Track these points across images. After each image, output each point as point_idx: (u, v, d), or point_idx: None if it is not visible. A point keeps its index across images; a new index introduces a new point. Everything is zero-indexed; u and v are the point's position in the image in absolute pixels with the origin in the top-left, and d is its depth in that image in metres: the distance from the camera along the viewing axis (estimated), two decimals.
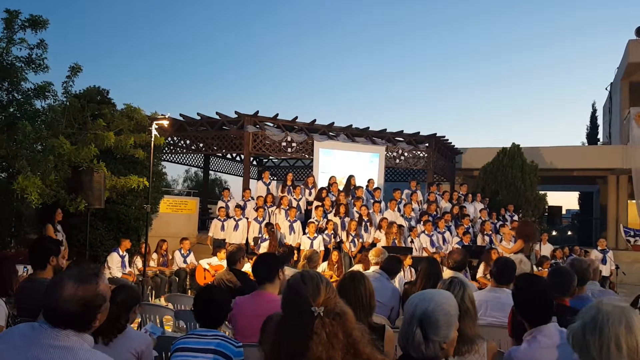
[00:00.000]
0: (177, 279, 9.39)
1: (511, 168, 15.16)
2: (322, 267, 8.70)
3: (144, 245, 8.54)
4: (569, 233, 29.93)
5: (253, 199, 11.73)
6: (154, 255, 9.58)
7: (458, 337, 1.93)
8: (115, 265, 8.35)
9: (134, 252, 9.38)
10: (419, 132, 14.97)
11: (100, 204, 7.56)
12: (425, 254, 10.12)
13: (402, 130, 14.85)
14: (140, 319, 4.81)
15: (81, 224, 8.49)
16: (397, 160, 14.93)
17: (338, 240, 10.37)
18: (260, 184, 12.58)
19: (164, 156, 14.19)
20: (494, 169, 15.43)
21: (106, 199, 8.06)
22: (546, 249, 11.69)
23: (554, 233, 21.08)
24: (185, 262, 9.73)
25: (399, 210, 11.52)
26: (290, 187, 11.89)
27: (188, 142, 14.95)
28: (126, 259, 8.65)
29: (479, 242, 11.09)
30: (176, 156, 15.79)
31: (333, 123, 14.02)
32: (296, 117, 13.59)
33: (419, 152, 15.09)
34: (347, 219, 10.64)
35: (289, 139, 13.66)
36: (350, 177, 12.32)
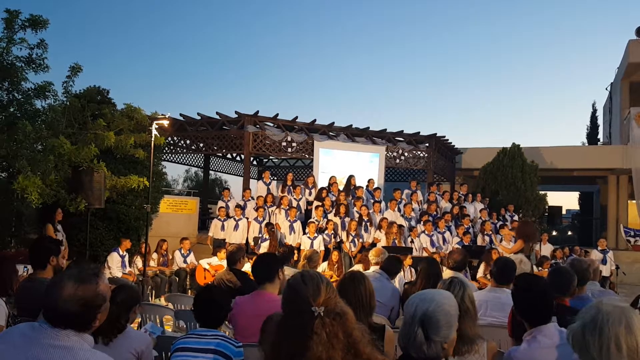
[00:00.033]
0: (177, 279, 9.39)
1: (511, 168, 15.16)
2: (322, 267, 8.70)
3: (144, 245, 8.54)
4: (569, 233, 29.92)
5: (253, 199, 11.73)
6: (154, 255, 9.58)
7: (458, 337, 1.94)
8: (115, 265, 8.35)
9: (134, 252, 9.38)
10: (419, 132, 14.97)
11: (100, 203, 7.56)
12: (425, 254, 10.12)
13: (402, 130, 14.85)
14: (140, 319, 4.81)
15: (81, 224, 8.49)
16: (397, 160, 14.93)
17: (338, 240, 10.37)
18: (260, 184, 12.58)
19: (164, 156, 14.19)
20: (494, 169, 15.43)
21: (106, 198, 8.06)
22: (546, 249, 11.69)
23: (554, 233, 21.07)
24: (185, 262, 9.73)
25: (399, 210, 11.52)
26: (291, 187, 11.89)
27: (188, 142, 14.95)
28: (126, 258, 8.66)
29: (479, 242, 11.09)
30: (176, 156, 15.79)
31: (333, 123, 14.02)
32: (296, 117, 13.60)
33: (419, 152, 15.09)
34: (347, 219, 10.64)
35: (289, 139, 13.66)
36: (351, 177, 12.32)
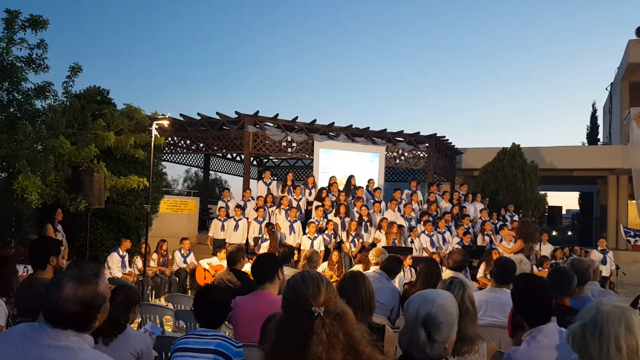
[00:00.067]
0: (177, 279, 9.40)
1: (511, 168, 15.15)
2: (323, 267, 8.70)
3: (144, 245, 8.54)
4: (569, 233, 29.91)
5: (253, 199, 11.74)
6: (154, 255, 9.58)
7: (458, 338, 1.94)
8: (116, 265, 8.35)
9: (134, 252, 9.39)
10: (419, 132, 14.97)
11: (100, 204, 7.56)
12: (425, 254, 10.12)
13: (402, 130, 14.85)
14: (140, 319, 4.81)
15: (81, 224, 8.49)
16: (397, 160, 14.93)
17: (338, 240, 10.37)
18: (261, 184, 12.58)
19: (164, 156, 14.19)
20: (494, 169, 15.43)
21: (106, 199, 8.06)
22: (546, 249, 11.70)
23: (554, 233, 21.06)
24: (185, 262, 9.73)
25: (399, 210, 11.52)
26: (291, 187, 11.90)
27: (188, 142, 14.96)
28: (126, 259, 8.66)
29: (479, 242, 11.09)
30: (176, 156, 15.79)
31: (333, 123, 14.02)
32: (296, 117, 13.60)
33: (419, 152, 15.09)
34: (347, 219, 10.64)
35: (289, 139, 13.66)
36: (351, 177, 12.32)
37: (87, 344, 1.70)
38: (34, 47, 7.11)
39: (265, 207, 11.17)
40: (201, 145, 15.33)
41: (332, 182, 12.16)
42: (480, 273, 8.60)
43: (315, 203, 11.29)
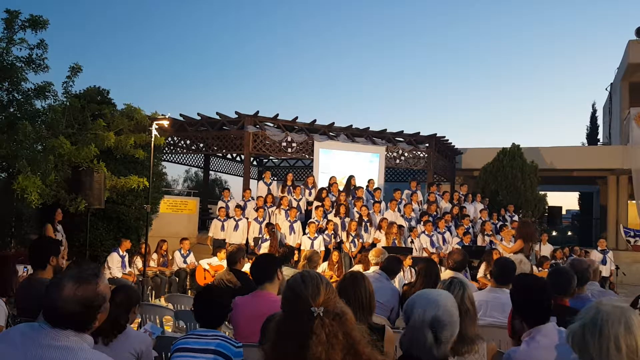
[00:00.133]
0: (177, 279, 9.40)
1: (511, 168, 15.16)
2: (323, 267, 8.70)
3: (144, 245, 8.54)
4: (569, 233, 29.91)
5: (253, 199, 11.74)
6: (154, 256, 9.58)
7: (458, 338, 1.94)
8: (116, 266, 8.36)
9: (134, 252, 9.39)
10: (419, 132, 14.97)
11: (100, 204, 7.56)
12: (425, 254, 10.12)
13: (402, 131, 14.85)
14: (140, 319, 4.81)
15: (81, 224, 8.50)
16: (397, 161, 14.94)
17: (338, 240, 10.37)
18: (261, 184, 12.59)
19: (164, 156, 14.19)
20: (494, 169, 15.43)
21: (106, 199, 8.07)
22: (546, 249, 11.70)
23: (554, 233, 21.07)
24: (185, 262, 9.73)
25: (399, 210, 11.52)
26: (290, 188, 11.90)
27: (188, 142, 14.96)
28: (126, 259, 8.66)
29: (479, 242, 11.10)
30: (176, 156, 15.79)
31: (333, 123, 14.03)
32: (296, 117, 13.61)
33: (419, 152, 15.09)
34: (347, 219, 10.64)
35: (289, 139, 13.66)
36: (351, 177, 12.32)
37: (87, 344, 1.70)
38: (34, 47, 7.11)
39: (265, 207, 11.17)
40: (201, 145, 15.33)
41: (332, 182, 12.17)
42: (480, 273, 8.61)
43: (315, 203, 11.29)
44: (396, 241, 9.99)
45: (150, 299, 8.48)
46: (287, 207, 10.99)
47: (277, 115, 13.45)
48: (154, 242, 9.61)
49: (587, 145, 25.53)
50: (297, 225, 10.68)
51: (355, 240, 10.25)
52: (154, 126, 8.18)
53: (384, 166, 14.52)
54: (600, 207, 20.78)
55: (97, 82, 25.86)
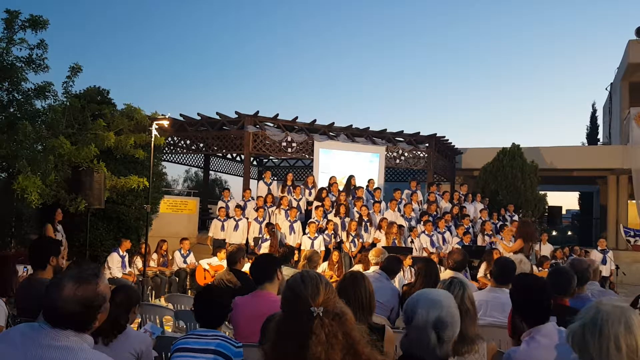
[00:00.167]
0: (177, 279, 9.40)
1: (511, 168, 15.16)
2: (323, 267, 8.70)
3: (144, 245, 8.55)
4: (569, 233, 29.92)
5: (253, 199, 11.74)
6: (154, 256, 9.58)
7: (458, 337, 1.95)
8: (116, 266, 8.36)
9: (134, 252, 9.39)
10: (419, 132, 14.97)
11: (100, 204, 7.56)
12: (425, 254, 10.12)
13: (402, 131, 14.85)
14: (140, 319, 4.81)
15: (81, 224, 8.50)
16: (397, 161, 14.94)
17: (338, 240, 10.37)
18: (261, 184, 12.58)
19: (164, 156, 14.19)
20: (494, 169, 15.43)
21: (106, 199, 8.07)
22: (546, 249, 11.70)
23: (554, 233, 21.07)
24: (185, 262, 9.73)
25: (399, 210, 11.52)
26: (290, 187, 11.90)
27: (188, 142, 14.96)
28: (126, 259, 8.66)
29: (479, 242, 11.09)
30: (176, 156, 15.79)
31: (333, 123, 14.02)
32: (296, 117, 13.60)
33: (419, 152, 15.09)
34: (347, 219, 10.64)
35: (289, 139, 13.66)
36: (351, 177, 12.32)
37: (87, 344, 1.70)
38: (34, 47, 7.11)
39: (265, 207, 11.17)
40: (201, 145, 15.33)
41: (332, 182, 12.16)
42: (480, 273, 8.60)
43: (315, 203, 11.29)
44: (396, 241, 9.99)
45: (150, 299, 8.48)
46: (287, 207, 10.98)
47: (277, 115, 13.45)
48: (154, 242, 9.61)
49: (587, 145, 25.53)
50: (297, 225, 10.68)
51: (355, 240, 10.25)
52: (154, 126, 8.18)
53: (384, 166, 14.52)
54: (600, 207, 20.78)
55: (97, 82, 25.88)
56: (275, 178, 18.61)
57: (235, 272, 4.57)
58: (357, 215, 10.78)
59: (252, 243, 10.81)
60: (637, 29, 17.98)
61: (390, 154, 14.70)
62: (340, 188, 12.14)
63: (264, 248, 9.97)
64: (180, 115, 13.62)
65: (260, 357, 1.73)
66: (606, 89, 22.68)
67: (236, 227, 10.80)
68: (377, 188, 12.38)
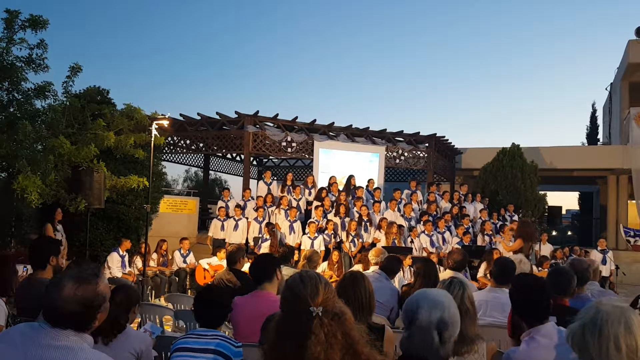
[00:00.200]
0: (177, 279, 9.40)
1: (511, 168, 15.16)
2: (322, 267, 8.71)
3: (144, 245, 8.55)
4: (569, 233, 29.92)
5: (253, 199, 11.74)
6: (154, 255, 9.58)
7: (458, 337, 1.95)
8: (115, 265, 8.36)
9: (134, 252, 9.39)
10: (419, 132, 14.97)
11: (100, 203, 7.56)
12: (425, 254, 10.12)
13: (402, 130, 14.85)
14: (140, 319, 4.81)
15: (81, 224, 8.50)
16: (397, 160, 14.94)
17: (338, 240, 10.37)
18: (261, 184, 12.58)
19: (164, 156, 14.19)
20: (494, 169, 15.43)
21: (106, 198, 8.07)
22: (546, 249, 11.70)
23: (554, 233, 21.07)
24: (185, 262, 9.73)
25: (399, 210, 11.52)
26: (290, 187, 11.90)
27: (188, 142, 14.96)
28: (126, 259, 8.66)
29: (479, 242, 11.10)
30: (176, 156, 15.79)
31: (333, 123, 14.02)
32: (296, 117, 13.60)
33: (419, 152, 15.09)
34: (347, 219, 10.64)
35: (289, 139, 13.66)
36: (350, 177, 12.32)
37: (87, 344, 1.70)
38: (34, 47, 7.11)
39: (265, 207, 11.17)
40: (201, 145, 15.33)
41: (332, 182, 12.16)
42: (480, 273, 8.61)
43: (315, 203, 11.29)
44: (396, 241, 9.99)
45: (150, 298, 8.48)
46: (287, 207, 10.98)
47: (277, 115, 13.45)
48: (153, 242, 9.60)
49: (587, 145, 25.53)
50: (297, 225, 10.68)
51: (355, 240, 10.25)
52: (154, 126, 8.18)
53: (383, 166, 14.52)
54: (600, 207, 20.78)
55: (97, 82, 25.86)
56: (275, 178, 18.60)
57: (235, 272, 4.57)
58: (357, 215, 10.78)
59: (252, 243, 10.80)
60: (637, 29, 17.98)
61: (390, 154, 14.70)
62: (340, 188, 12.14)
63: (264, 248, 9.97)
64: (180, 115, 13.63)
65: (259, 357, 1.73)
66: (606, 89, 22.70)
67: (236, 227, 10.80)
68: (377, 188, 12.38)
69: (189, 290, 9.33)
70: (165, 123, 8.71)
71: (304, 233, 10.35)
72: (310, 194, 12.09)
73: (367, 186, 12.25)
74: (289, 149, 13.79)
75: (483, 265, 8.58)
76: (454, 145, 16.84)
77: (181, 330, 4.80)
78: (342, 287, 2.65)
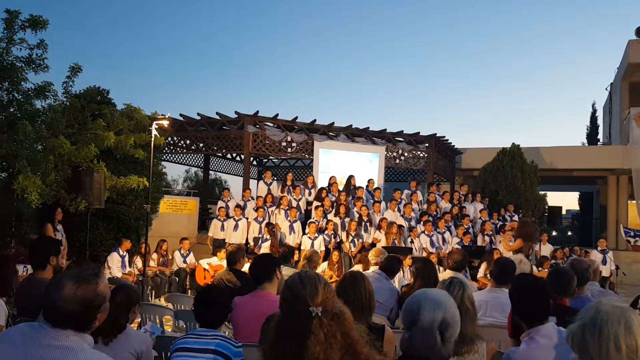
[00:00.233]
0: (177, 279, 9.40)
1: (511, 168, 15.16)
2: (322, 267, 8.71)
3: (144, 245, 8.55)
4: (569, 233, 29.92)
5: (253, 199, 11.74)
6: (154, 255, 9.59)
7: (458, 337, 1.95)
8: (115, 265, 8.36)
9: (134, 252, 9.39)
10: (419, 132, 14.97)
11: (100, 203, 7.57)
12: (425, 254, 10.12)
13: (402, 130, 14.86)
14: (140, 319, 4.81)
15: (81, 224, 8.50)
16: (397, 161, 14.94)
17: (338, 240, 10.37)
18: (261, 184, 12.59)
19: (164, 156, 14.20)
20: (494, 169, 15.43)
21: (106, 199, 8.07)
22: (546, 249, 11.70)
23: (554, 233, 21.08)
24: (185, 262, 9.74)
25: (399, 210, 11.53)
26: (290, 187, 11.90)
27: (188, 142, 14.96)
28: (126, 259, 8.67)
29: (479, 242, 11.10)
30: (176, 156, 15.80)
31: (333, 123, 14.03)
32: (296, 117, 13.61)
33: (419, 152, 15.09)
34: (347, 219, 10.64)
35: (289, 139, 13.66)
36: (350, 177, 12.32)
37: (87, 344, 1.70)
38: (34, 47, 7.12)
39: (265, 207, 11.17)
40: (201, 145, 15.33)
41: (332, 182, 12.17)
42: (480, 273, 8.62)
43: (315, 203, 11.29)
44: (396, 241, 9.99)
45: (150, 298, 8.48)
46: (287, 207, 10.99)
47: (277, 115, 13.45)
48: (153, 242, 9.61)
49: (587, 145, 25.53)
50: (297, 225, 10.68)
51: (355, 240, 10.25)
52: (154, 126, 8.19)
53: (383, 166, 14.52)
54: (600, 207, 20.78)
55: (97, 82, 25.89)
56: (275, 178, 18.60)
57: (235, 272, 4.57)
58: (357, 215, 10.78)
59: (252, 243, 10.81)
60: (637, 29, 17.99)
61: (390, 154, 14.70)
62: (340, 188, 12.14)
63: (264, 248, 9.97)
64: (180, 115, 13.63)
65: (259, 357, 1.73)
66: (606, 89, 22.71)
67: (236, 227, 10.80)
68: (377, 188, 12.38)
69: (189, 291, 9.34)
70: (165, 123, 8.71)
71: (304, 233, 10.35)
72: (310, 194, 12.09)
73: (367, 186, 12.26)
74: (289, 149, 13.80)
75: (483, 266, 8.59)
76: (454, 146, 16.84)
77: (181, 331, 4.80)
78: (342, 287, 2.65)
